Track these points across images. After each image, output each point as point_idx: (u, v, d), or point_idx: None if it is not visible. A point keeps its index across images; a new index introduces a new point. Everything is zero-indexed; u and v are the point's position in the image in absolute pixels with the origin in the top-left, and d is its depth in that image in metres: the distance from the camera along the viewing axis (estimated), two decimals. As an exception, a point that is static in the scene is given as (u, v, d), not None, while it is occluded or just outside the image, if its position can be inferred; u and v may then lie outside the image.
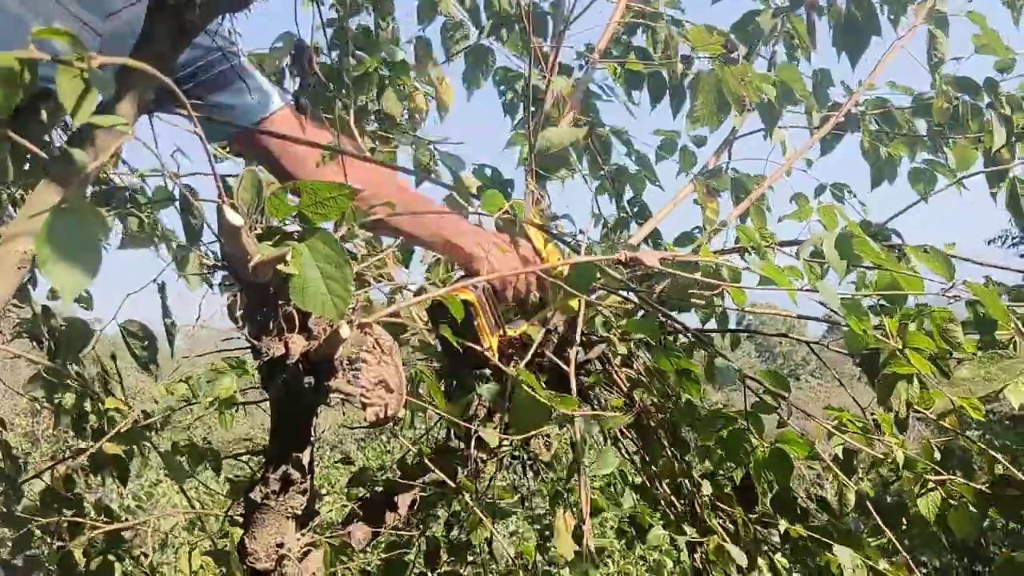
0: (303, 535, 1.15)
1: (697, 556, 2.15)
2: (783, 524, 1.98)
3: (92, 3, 1.34)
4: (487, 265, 1.63)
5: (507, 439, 1.67)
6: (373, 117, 2.26)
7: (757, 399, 1.82)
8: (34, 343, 1.89)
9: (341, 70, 2.08)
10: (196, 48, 1.49)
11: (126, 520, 2.11)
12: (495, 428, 1.74)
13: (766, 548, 2.06)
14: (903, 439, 1.87)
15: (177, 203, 1.75)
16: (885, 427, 1.84)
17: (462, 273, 1.80)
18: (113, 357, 1.99)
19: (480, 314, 1.59)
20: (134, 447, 1.88)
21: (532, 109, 2.02)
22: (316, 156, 1.55)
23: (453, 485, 1.70)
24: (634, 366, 2.09)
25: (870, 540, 1.99)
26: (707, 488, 2.10)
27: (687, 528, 2.15)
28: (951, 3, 2.47)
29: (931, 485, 1.86)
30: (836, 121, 2.41)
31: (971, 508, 1.82)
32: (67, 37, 0.84)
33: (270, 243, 1.03)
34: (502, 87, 2.62)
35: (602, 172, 2.57)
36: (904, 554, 1.89)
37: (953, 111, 2.32)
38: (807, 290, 1.47)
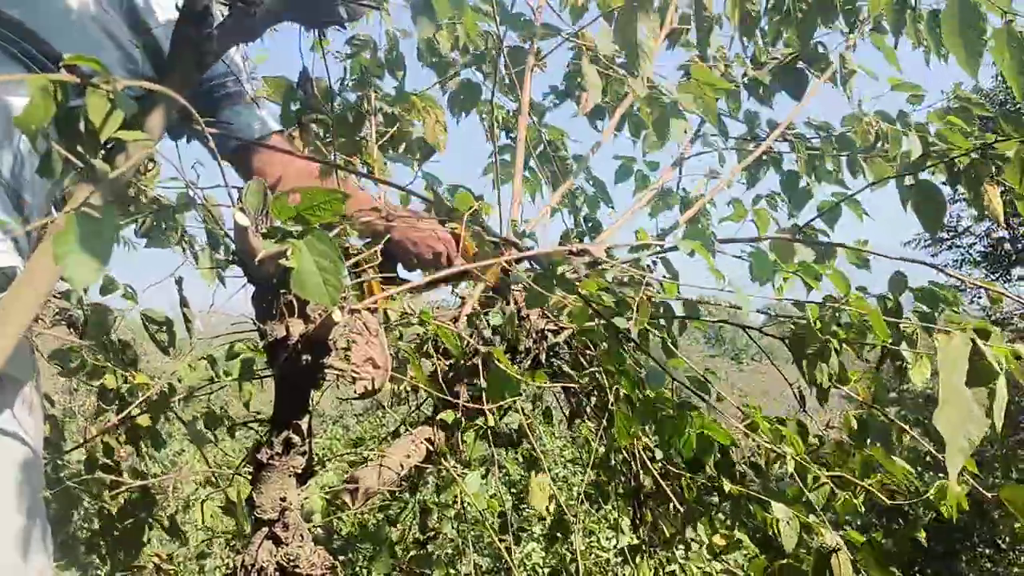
0: (303, 490, 1.17)
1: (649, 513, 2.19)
2: (726, 485, 2.01)
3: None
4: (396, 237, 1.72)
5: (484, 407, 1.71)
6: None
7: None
8: (71, 329, 1.90)
9: (363, 99, 2.11)
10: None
11: (165, 485, 2.12)
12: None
13: (708, 508, 2.08)
14: (801, 444, 1.93)
15: (197, 209, 1.77)
16: (788, 437, 1.89)
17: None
18: (132, 341, 2.00)
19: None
20: (162, 417, 1.90)
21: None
22: (303, 176, 1.59)
23: (434, 450, 1.73)
24: (596, 350, 2.11)
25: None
26: (659, 454, 2.13)
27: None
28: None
29: (822, 481, 1.91)
30: (761, 152, 2.48)
31: (853, 499, 1.90)
32: (95, 63, 0.86)
33: (273, 241, 1.04)
34: (484, 116, 2.66)
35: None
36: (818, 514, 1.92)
37: (875, 135, 2.38)
38: (728, 291, 1.51)
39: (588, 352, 2.08)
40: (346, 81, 2.17)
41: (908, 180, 2.07)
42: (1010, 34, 1.45)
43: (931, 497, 1.81)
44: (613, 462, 2.25)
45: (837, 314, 1.83)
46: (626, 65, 2.22)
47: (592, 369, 2.07)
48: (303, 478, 1.17)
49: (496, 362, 1.45)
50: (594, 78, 2.09)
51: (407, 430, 1.83)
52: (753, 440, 1.94)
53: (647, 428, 2.02)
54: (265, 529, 1.13)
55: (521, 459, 2.45)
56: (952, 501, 1.77)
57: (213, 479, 2.17)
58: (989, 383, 1.13)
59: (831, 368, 1.83)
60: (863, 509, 1.90)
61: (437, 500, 2.40)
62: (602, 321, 1.78)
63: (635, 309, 1.63)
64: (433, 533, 2.32)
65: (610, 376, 1.89)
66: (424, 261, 1.78)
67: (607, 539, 3.56)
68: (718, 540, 2.11)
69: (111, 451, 1.97)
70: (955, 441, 1.09)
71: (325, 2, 1.20)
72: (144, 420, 1.86)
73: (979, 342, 1.15)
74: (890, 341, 1.85)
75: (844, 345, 1.90)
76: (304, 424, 1.14)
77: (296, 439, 1.13)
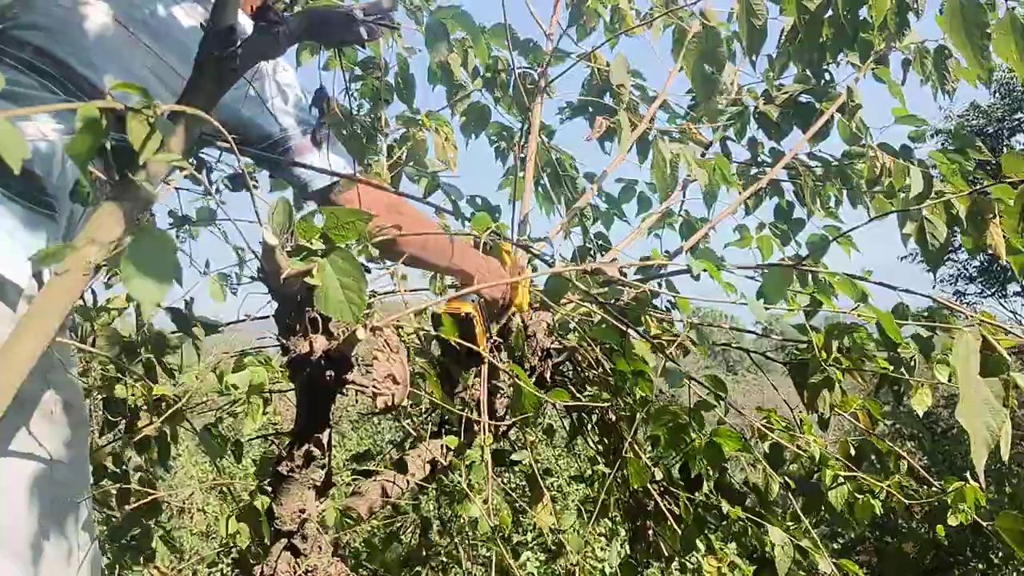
0: (322, 503, 1.19)
1: (649, 532, 2.20)
2: (724, 506, 2.02)
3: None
4: (481, 284, 1.77)
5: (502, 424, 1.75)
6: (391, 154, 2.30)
7: (700, 398, 1.90)
8: (71, 334, 1.91)
9: (375, 119, 2.14)
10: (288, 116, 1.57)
11: (159, 491, 2.13)
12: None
13: (707, 528, 2.10)
14: (820, 437, 1.95)
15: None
16: (806, 427, 1.91)
17: (453, 286, 1.93)
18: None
19: (478, 322, 1.71)
20: (171, 428, 1.92)
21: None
22: (385, 212, 1.64)
23: (444, 463, 1.76)
24: (599, 369, 2.14)
25: (791, 524, 2.05)
26: (659, 474, 2.15)
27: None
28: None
29: (840, 480, 1.93)
30: (766, 181, 2.53)
31: (872, 500, 1.89)
32: (137, 90, 0.89)
33: (299, 259, 1.07)
34: (494, 137, 2.70)
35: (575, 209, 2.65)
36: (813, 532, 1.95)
37: (880, 169, 2.42)
38: (741, 303, 1.54)
39: (592, 371, 2.11)
40: (359, 101, 2.21)
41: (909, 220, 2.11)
42: (1014, 23, 1.42)
43: (948, 500, 1.82)
44: (612, 477, 2.26)
45: (839, 340, 1.86)
46: (642, 93, 2.28)
47: (596, 388, 2.10)
48: (322, 490, 1.19)
49: (515, 378, 1.49)
50: (627, 127, 2.14)
51: (416, 442, 1.85)
52: (764, 445, 1.96)
53: (649, 443, 2.05)
54: (284, 540, 1.16)
55: (521, 471, 2.47)
56: (971, 502, 1.79)
57: (224, 490, 2.19)
58: (1000, 374, 1.16)
59: (833, 398, 1.86)
60: (880, 512, 1.91)
61: (438, 515, 2.42)
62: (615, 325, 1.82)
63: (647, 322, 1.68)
64: (434, 550, 2.34)
65: (618, 388, 1.92)
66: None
67: (602, 549, 3.57)
68: (711, 563, 2.13)
69: (120, 460, 1.99)
70: (978, 434, 1.12)
71: (345, 22, 1.22)
72: (151, 430, 1.87)
73: (989, 336, 1.18)
74: (891, 369, 1.89)
75: (843, 373, 1.93)
76: (324, 437, 1.17)
77: (316, 452, 1.16)
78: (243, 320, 1.97)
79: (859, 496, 1.91)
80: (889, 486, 1.91)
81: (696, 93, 1.96)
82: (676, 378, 1.82)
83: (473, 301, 1.74)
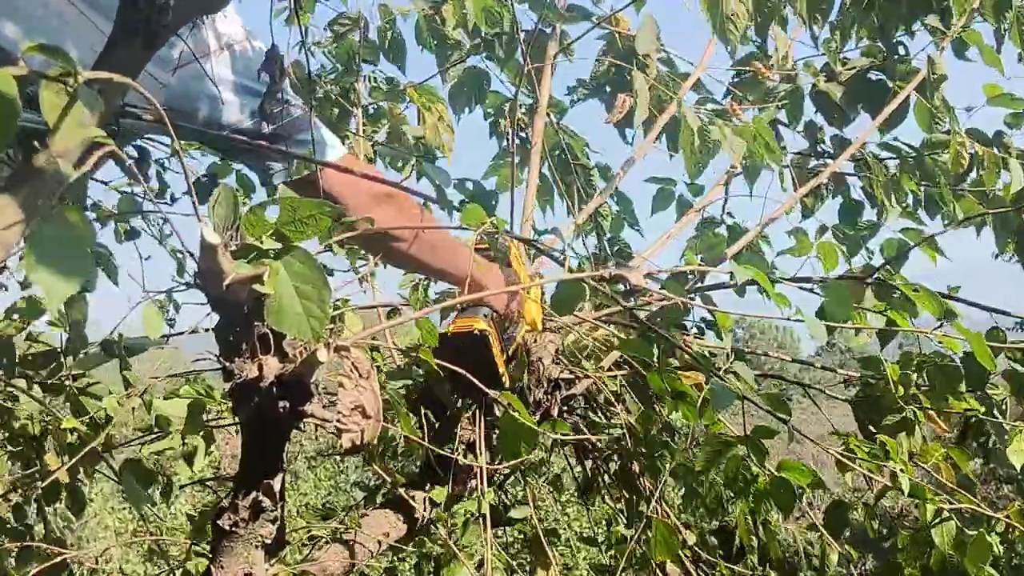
0: (272, 564, 1.18)
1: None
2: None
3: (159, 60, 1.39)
4: (497, 299, 1.80)
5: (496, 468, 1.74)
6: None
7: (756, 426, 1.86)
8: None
9: (348, 90, 2.12)
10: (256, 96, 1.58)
11: (69, 544, 2.11)
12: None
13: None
14: (911, 466, 1.88)
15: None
16: (892, 454, 1.84)
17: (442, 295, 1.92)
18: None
19: (495, 342, 1.71)
20: (84, 470, 1.90)
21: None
22: (372, 202, 1.65)
23: (427, 517, 1.75)
24: (620, 405, 2.13)
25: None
26: (690, 538, 2.13)
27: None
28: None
29: (945, 514, 1.85)
30: (826, 174, 2.51)
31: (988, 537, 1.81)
32: (52, 52, 0.88)
33: (246, 261, 1.05)
34: (490, 111, 2.67)
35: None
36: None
37: (968, 160, 2.38)
38: (797, 320, 1.53)
39: (611, 408, 2.10)
40: (323, 64, 2.19)
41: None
42: None
43: None
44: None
45: (919, 374, 1.84)
46: (671, 69, 2.27)
47: (617, 428, 2.08)
48: (273, 550, 1.18)
49: (509, 408, 1.47)
50: (643, 88, 2.12)
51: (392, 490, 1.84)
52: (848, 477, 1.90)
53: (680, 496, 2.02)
54: (225, 613, 1.14)
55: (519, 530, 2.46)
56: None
57: (150, 546, 2.17)
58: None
59: (912, 445, 1.82)
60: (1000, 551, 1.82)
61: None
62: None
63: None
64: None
65: (645, 429, 1.90)
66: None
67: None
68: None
69: (23, 513, 1.97)
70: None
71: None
72: (64, 475, 1.85)
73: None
74: (981, 411, 1.86)
75: (923, 414, 1.89)
76: (276, 484, 1.15)
77: (266, 502, 1.14)
78: (179, 334, 1.96)
79: (970, 533, 1.81)
80: (1008, 517, 1.84)
81: (712, 30, 1.93)
82: (726, 399, 1.76)
83: (485, 316, 1.73)
